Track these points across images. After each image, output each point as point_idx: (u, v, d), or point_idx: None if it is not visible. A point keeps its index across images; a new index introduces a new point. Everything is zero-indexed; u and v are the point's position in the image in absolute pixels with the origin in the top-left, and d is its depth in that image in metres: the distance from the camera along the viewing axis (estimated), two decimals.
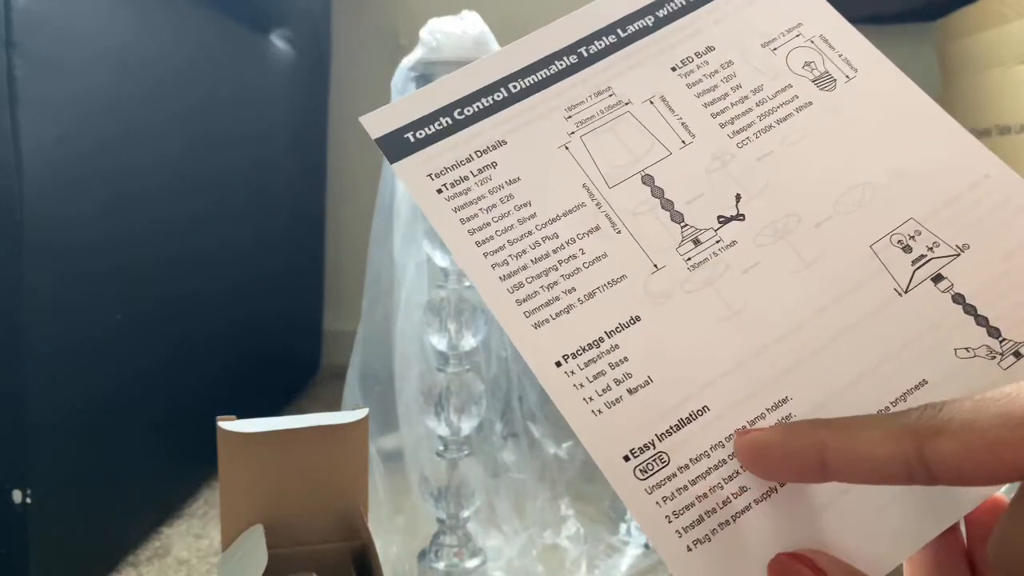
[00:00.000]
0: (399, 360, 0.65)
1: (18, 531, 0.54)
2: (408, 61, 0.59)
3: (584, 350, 0.24)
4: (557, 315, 0.24)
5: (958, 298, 0.24)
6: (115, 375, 0.64)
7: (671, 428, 0.23)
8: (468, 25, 0.57)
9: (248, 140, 0.89)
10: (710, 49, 0.29)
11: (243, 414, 0.31)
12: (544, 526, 0.72)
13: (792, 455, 0.21)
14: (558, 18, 0.29)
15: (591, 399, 0.23)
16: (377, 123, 0.27)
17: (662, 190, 0.26)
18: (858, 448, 0.19)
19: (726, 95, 0.28)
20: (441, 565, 0.63)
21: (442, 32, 0.57)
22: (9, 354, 0.53)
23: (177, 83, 0.73)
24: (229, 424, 0.30)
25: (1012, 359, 0.24)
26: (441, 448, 0.62)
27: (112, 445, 0.64)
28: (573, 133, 0.27)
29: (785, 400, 0.23)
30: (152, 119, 0.68)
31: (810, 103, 0.28)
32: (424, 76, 0.58)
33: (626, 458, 0.22)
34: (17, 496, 0.54)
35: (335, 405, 0.62)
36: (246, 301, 0.89)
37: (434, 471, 0.63)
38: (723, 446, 0.22)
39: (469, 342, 0.61)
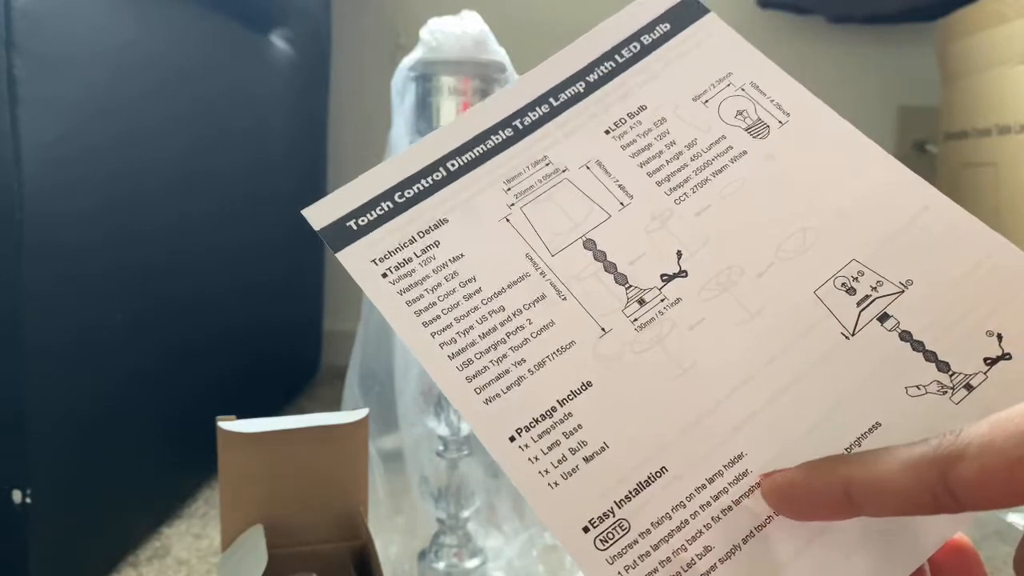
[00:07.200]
0: (399, 360, 0.65)
1: (18, 531, 0.54)
2: (408, 61, 0.58)
3: (537, 422, 0.23)
4: (508, 388, 0.24)
5: (905, 335, 0.24)
6: (115, 375, 0.64)
7: (630, 493, 0.22)
8: (468, 25, 0.57)
9: (248, 140, 0.89)
10: (642, 108, 0.29)
11: (243, 414, 0.31)
12: (544, 526, 0.72)
13: (817, 493, 0.21)
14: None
15: (547, 471, 0.23)
16: (320, 214, 0.27)
17: (604, 253, 0.26)
18: (882, 481, 0.19)
19: (660, 152, 0.28)
20: (441, 565, 0.63)
21: (442, 32, 0.57)
22: (9, 354, 0.53)
23: (177, 83, 0.73)
24: (229, 424, 0.30)
25: (963, 392, 0.23)
26: (441, 448, 0.62)
27: (112, 445, 0.64)
28: (513, 205, 0.27)
29: (740, 456, 0.23)
30: (152, 119, 0.68)
31: (745, 152, 0.28)
32: (424, 76, 0.58)
33: (585, 529, 0.22)
34: (17, 496, 0.54)
35: (335, 405, 0.62)
36: (246, 301, 0.89)
37: (434, 471, 0.63)
38: (684, 506, 0.22)
39: None
